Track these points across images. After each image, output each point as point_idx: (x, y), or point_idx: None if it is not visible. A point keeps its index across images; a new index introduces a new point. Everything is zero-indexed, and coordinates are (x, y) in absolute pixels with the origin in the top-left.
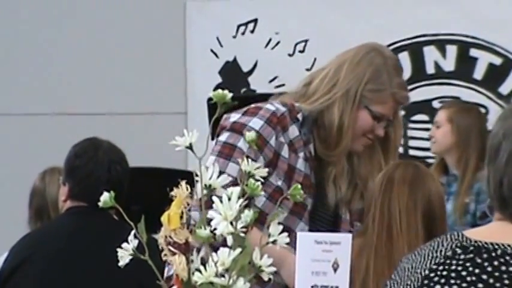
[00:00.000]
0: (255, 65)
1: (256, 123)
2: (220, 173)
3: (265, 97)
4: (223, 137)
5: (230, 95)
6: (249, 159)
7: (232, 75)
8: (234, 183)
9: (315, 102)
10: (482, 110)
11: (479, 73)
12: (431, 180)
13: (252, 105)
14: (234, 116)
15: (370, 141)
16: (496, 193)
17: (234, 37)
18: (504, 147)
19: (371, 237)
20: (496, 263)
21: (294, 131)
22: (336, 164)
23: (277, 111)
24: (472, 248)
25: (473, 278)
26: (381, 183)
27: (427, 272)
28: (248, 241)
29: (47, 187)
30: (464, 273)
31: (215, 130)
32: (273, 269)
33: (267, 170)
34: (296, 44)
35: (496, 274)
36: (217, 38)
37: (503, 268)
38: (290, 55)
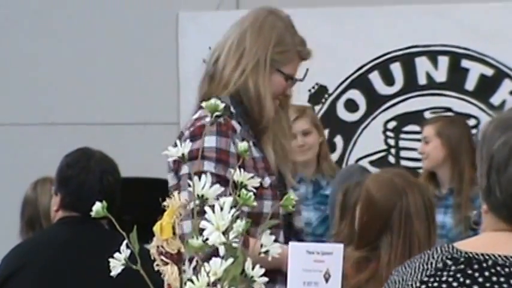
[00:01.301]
0: None
1: (209, 141)
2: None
3: None
4: (185, 169)
5: (222, 105)
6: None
7: None
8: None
9: (229, 82)
10: (474, 121)
11: (470, 84)
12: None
13: (192, 128)
14: (186, 147)
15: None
16: (506, 203)
17: None
18: None
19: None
20: (487, 273)
21: (236, 126)
22: (267, 131)
23: (222, 119)
24: (462, 259)
25: None
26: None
27: (418, 284)
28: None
29: (38, 197)
30: (455, 284)
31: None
32: (265, 279)
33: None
34: None
35: (487, 285)
36: (210, 49)
37: (494, 279)
38: None
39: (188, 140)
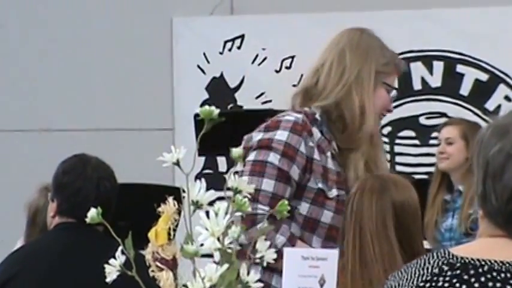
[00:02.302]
0: (241, 81)
1: (281, 135)
2: (256, 191)
3: (252, 113)
4: (251, 156)
5: (217, 111)
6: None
7: (219, 91)
8: (272, 198)
9: (329, 95)
10: None
11: (465, 89)
12: (394, 189)
13: (270, 121)
14: (257, 135)
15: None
16: (501, 210)
17: (221, 53)
18: None
19: (346, 261)
20: (483, 279)
21: (316, 133)
22: (358, 149)
23: (298, 119)
24: (458, 264)
25: None
26: (351, 201)
27: None
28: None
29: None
30: None
31: (202, 146)
32: (260, 285)
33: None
34: (283, 60)
35: None
36: (204, 54)
37: (490, 284)
38: (277, 71)
39: (262, 131)
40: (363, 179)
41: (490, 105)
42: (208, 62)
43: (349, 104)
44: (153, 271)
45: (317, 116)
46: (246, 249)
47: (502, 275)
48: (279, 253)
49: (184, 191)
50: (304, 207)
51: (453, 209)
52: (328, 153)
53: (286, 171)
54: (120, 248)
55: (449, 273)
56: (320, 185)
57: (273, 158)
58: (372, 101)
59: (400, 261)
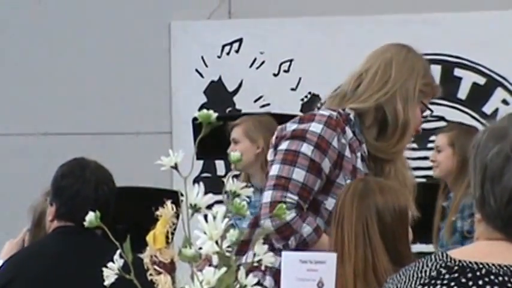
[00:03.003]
0: (240, 85)
1: (316, 127)
2: (287, 179)
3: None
4: (284, 145)
5: (215, 114)
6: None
7: (217, 94)
8: (302, 188)
9: (368, 99)
10: None
11: (463, 92)
12: (378, 193)
13: (304, 114)
14: (291, 125)
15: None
16: (501, 213)
17: (219, 57)
18: None
19: None
20: (480, 282)
21: (348, 132)
22: (395, 161)
23: (332, 115)
24: (456, 267)
25: None
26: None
27: None
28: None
29: None
30: None
31: (200, 149)
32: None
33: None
34: (281, 64)
35: None
36: (202, 58)
37: (488, 287)
38: (275, 75)
39: (297, 122)
40: (351, 182)
41: (488, 108)
42: (206, 65)
43: (393, 111)
44: (151, 274)
45: (351, 116)
46: (273, 235)
47: (500, 278)
48: (305, 242)
49: (182, 195)
50: (330, 203)
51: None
52: (358, 154)
53: (318, 163)
54: (118, 252)
55: (447, 276)
56: (348, 182)
57: (306, 148)
58: (412, 118)
59: (383, 260)
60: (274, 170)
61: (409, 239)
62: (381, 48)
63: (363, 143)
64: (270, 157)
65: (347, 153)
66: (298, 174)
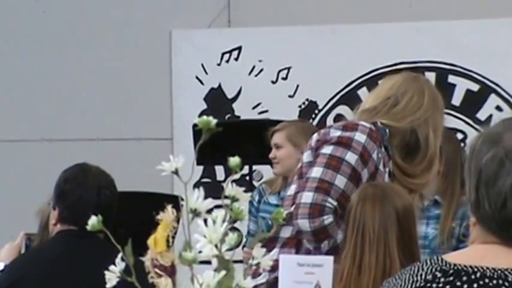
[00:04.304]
0: (239, 92)
1: (360, 137)
2: (329, 184)
3: (249, 123)
4: (328, 149)
5: (215, 121)
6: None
7: (217, 101)
8: (341, 194)
9: (403, 119)
10: (461, 136)
11: (457, 99)
12: (395, 196)
13: (345, 122)
14: (336, 131)
15: None
16: (495, 216)
17: (219, 64)
18: (508, 169)
19: (344, 267)
20: (475, 285)
21: (382, 147)
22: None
23: (372, 128)
24: (451, 271)
25: None
26: (354, 206)
27: None
28: None
29: None
30: None
31: (200, 155)
32: None
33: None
34: (279, 71)
35: None
36: (202, 65)
37: None
38: (273, 82)
39: (341, 129)
40: (362, 188)
41: (482, 115)
42: (206, 73)
43: (425, 137)
44: (152, 277)
45: (386, 131)
46: (307, 236)
47: (494, 281)
48: (337, 248)
49: (183, 199)
50: None
51: (427, 217)
52: (387, 169)
53: (359, 172)
54: (120, 255)
55: (442, 279)
56: (357, 190)
57: (350, 157)
58: (439, 146)
59: (397, 267)
60: (316, 172)
61: (417, 236)
62: (409, 75)
63: (391, 159)
64: (307, 158)
65: (381, 166)
66: (341, 181)
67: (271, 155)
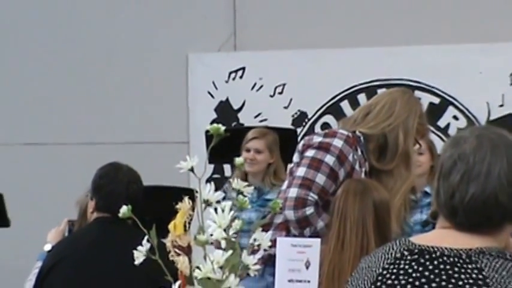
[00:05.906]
0: (243, 104)
1: (338, 142)
2: (311, 181)
3: (251, 130)
4: (311, 153)
5: (223, 128)
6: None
7: (225, 112)
8: (321, 190)
9: (375, 126)
10: None
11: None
12: (374, 191)
13: (327, 131)
14: (318, 138)
15: None
16: (446, 204)
17: (227, 82)
18: (458, 168)
19: (329, 247)
20: (435, 262)
21: (359, 150)
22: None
23: (349, 135)
24: (416, 250)
25: (418, 275)
26: (339, 199)
27: (380, 270)
28: None
29: None
30: (410, 270)
31: (211, 156)
32: (258, 267)
33: None
34: (276, 87)
35: (436, 271)
36: (213, 82)
37: (442, 266)
38: (271, 96)
39: (322, 136)
40: (347, 182)
41: (442, 123)
42: (216, 88)
43: (394, 140)
44: (172, 256)
45: (361, 138)
46: (292, 224)
47: (451, 259)
48: (317, 233)
49: (197, 192)
50: None
51: (421, 206)
52: (363, 169)
53: (336, 172)
54: (146, 237)
55: (409, 257)
56: (345, 182)
57: (329, 159)
58: (412, 146)
59: (373, 246)
60: (301, 171)
61: (391, 223)
62: (389, 90)
63: (366, 161)
64: (295, 159)
65: (357, 167)
66: (320, 179)
67: (251, 157)
